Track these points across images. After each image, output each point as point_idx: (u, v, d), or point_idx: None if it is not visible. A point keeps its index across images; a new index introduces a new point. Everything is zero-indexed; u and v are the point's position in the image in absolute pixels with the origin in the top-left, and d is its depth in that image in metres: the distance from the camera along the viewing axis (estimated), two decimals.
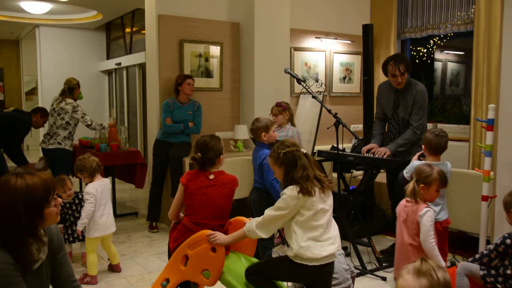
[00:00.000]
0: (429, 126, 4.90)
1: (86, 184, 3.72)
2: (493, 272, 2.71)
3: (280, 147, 2.41)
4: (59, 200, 1.85)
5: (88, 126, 5.27)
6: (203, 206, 2.66)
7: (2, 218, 1.71)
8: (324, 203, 2.34)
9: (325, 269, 2.35)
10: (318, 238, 2.30)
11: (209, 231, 2.54)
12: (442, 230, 3.22)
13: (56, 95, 5.44)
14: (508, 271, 2.64)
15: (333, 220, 2.42)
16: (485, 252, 2.77)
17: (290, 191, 2.29)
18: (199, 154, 2.73)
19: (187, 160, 4.63)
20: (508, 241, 2.67)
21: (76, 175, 3.98)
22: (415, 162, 3.37)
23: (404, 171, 3.40)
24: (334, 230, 2.40)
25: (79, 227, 3.62)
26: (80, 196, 3.92)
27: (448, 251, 3.36)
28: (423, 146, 3.41)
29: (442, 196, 3.26)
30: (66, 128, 5.25)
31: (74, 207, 3.91)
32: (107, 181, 3.82)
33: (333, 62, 6.49)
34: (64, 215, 3.88)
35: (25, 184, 1.73)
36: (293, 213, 2.31)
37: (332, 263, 2.40)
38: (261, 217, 2.37)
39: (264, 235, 2.37)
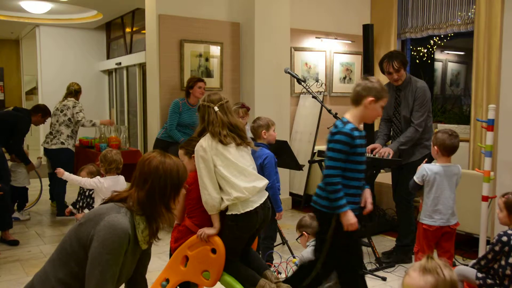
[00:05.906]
0: None
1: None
2: (489, 281, 2.66)
3: (207, 97, 2.64)
4: (184, 191, 2.03)
5: (77, 121, 5.32)
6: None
7: (154, 185, 1.88)
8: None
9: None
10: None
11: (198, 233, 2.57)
12: (450, 231, 3.21)
13: (61, 99, 5.55)
14: (508, 272, 2.59)
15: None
16: (482, 255, 2.75)
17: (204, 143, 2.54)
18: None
19: None
20: (505, 238, 2.61)
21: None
22: (425, 165, 3.25)
23: (415, 177, 3.26)
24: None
25: (66, 177, 3.72)
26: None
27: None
28: (435, 147, 3.22)
29: (453, 200, 3.22)
30: (69, 126, 5.25)
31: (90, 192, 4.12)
32: (120, 178, 3.77)
33: (333, 62, 6.49)
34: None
35: (173, 162, 1.95)
36: (211, 163, 2.50)
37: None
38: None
39: (214, 193, 2.50)
